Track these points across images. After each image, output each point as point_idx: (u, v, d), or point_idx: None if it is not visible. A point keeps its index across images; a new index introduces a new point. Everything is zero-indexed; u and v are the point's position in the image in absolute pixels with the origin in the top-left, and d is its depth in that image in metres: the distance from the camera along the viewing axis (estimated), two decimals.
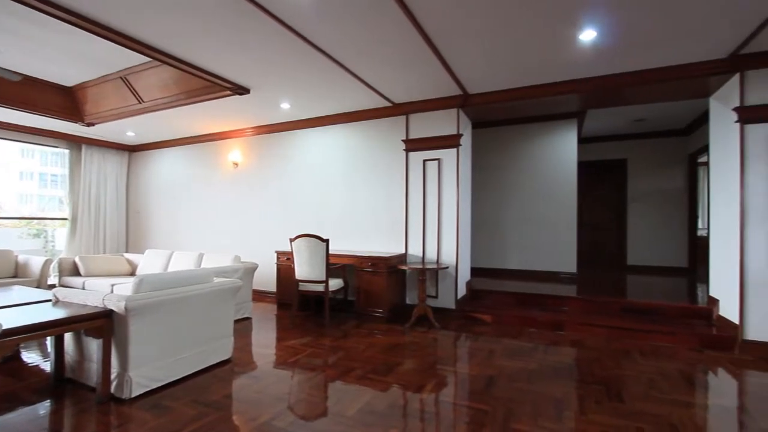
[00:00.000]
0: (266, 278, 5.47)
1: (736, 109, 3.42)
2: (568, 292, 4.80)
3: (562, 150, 6.03)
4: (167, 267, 4.92)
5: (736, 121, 3.42)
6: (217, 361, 3.03)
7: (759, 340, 3.31)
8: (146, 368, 2.50)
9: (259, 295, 5.51)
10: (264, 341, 3.81)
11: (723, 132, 3.76)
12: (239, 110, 5.06)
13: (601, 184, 7.51)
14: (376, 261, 4.37)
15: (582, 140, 7.15)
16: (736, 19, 2.80)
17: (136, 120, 5.47)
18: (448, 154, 4.57)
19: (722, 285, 3.74)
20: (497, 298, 4.79)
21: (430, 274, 4.59)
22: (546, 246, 6.05)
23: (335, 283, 4.38)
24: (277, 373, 2.94)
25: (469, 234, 5.11)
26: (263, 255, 5.57)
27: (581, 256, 6.63)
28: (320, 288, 4.20)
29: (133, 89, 4.68)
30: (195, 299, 2.82)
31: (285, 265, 4.95)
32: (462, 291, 4.74)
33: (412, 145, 4.74)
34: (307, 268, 4.18)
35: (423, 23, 2.90)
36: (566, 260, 5.94)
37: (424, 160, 4.68)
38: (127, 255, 5.62)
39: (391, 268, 4.40)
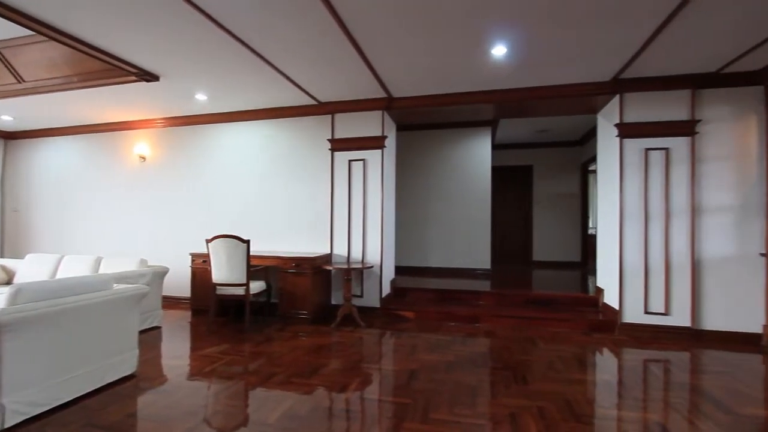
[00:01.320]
0: (179, 283, 5.05)
1: (616, 125, 3.99)
2: (483, 287, 5.18)
3: (478, 155, 6.49)
4: (55, 274, 4.28)
5: (617, 136, 3.99)
6: (119, 377, 2.73)
7: (633, 322, 3.90)
8: (26, 392, 2.15)
9: (171, 302, 5.07)
10: (176, 351, 3.52)
11: (607, 144, 4.36)
12: (148, 98, 4.60)
13: (511, 187, 8.23)
14: (300, 261, 4.28)
15: (495, 147, 7.76)
16: (614, 49, 3.26)
17: (14, 102, 4.68)
18: (373, 155, 4.64)
19: (606, 276, 4.34)
20: (419, 295, 4.99)
21: (356, 273, 4.63)
22: (464, 244, 6.46)
23: (257, 286, 4.20)
24: (191, 385, 2.73)
25: (393, 234, 5.25)
26: (176, 258, 5.13)
27: (494, 253, 7.19)
28: (240, 291, 3.99)
29: (10, 66, 3.99)
30: (89, 309, 2.50)
31: (201, 268, 4.62)
32: (386, 289, 4.85)
33: (338, 144, 4.73)
34: (225, 271, 3.95)
35: (349, 26, 2.91)
36: (481, 257, 6.41)
37: (350, 161, 4.70)
38: (1, 261, 4.77)
39: (316, 268, 4.35)
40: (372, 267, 4.49)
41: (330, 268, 4.24)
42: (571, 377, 2.85)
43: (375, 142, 4.62)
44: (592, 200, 7.61)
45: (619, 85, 3.92)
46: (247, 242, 3.93)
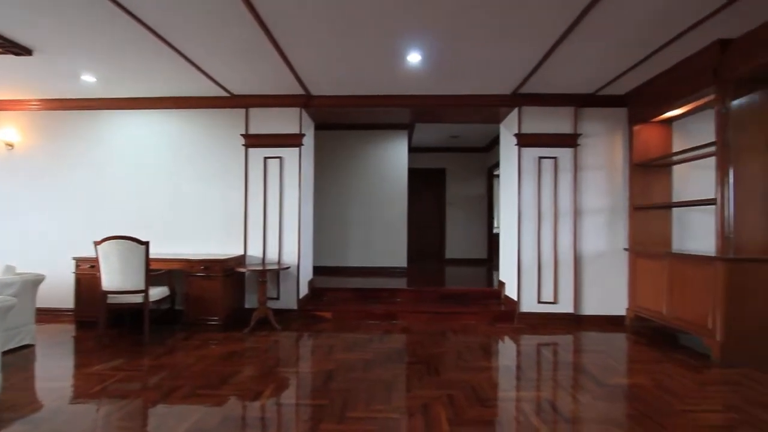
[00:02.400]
0: (60, 293, 4.36)
1: (515, 135, 4.44)
2: (400, 285, 5.36)
3: (395, 157, 6.70)
4: None
5: (516, 145, 4.44)
6: None
7: (529, 311, 4.37)
8: None
9: (49, 315, 4.36)
10: (54, 372, 3.03)
11: (508, 152, 4.82)
12: (18, 76, 3.89)
13: (426, 188, 8.64)
14: (210, 264, 3.99)
15: (412, 149, 8.08)
16: (513, 66, 3.63)
17: None
18: (290, 153, 4.52)
19: (507, 271, 4.80)
20: (338, 294, 4.99)
21: (272, 275, 4.46)
22: (382, 243, 6.62)
23: (158, 292, 3.81)
24: (74, 409, 2.38)
25: (311, 234, 5.17)
26: (55, 264, 4.42)
27: (410, 251, 7.47)
28: (138, 299, 3.59)
29: None
30: None
31: (88, 274, 4.04)
32: (304, 290, 4.76)
33: (253, 141, 4.51)
34: (119, 277, 3.51)
35: (265, 19, 2.79)
36: (398, 256, 6.63)
37: (266, 158, 4.51)
38: None
39: (228, 271, 4.10)
40: (289, 268, 4.37)
41: (243, 270, 4.02)
42: (477, 365, 3.09)
43: (292, 140, 4.50)
44: (496, 202, 8.34)
45: (518, 99, 4.36)
46: (146, 244, 3.55)
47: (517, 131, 4.41)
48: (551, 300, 4.35)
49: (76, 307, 4.13)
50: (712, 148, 3.28)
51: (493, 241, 8.22)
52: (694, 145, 3.66)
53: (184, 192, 4.60)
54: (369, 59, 3.52)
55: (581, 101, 4.35)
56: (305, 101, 4.46)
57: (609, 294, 4.38)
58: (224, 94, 4.40)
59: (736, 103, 3.14)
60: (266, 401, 2.47)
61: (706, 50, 3.21)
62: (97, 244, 3.50)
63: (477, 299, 4.92)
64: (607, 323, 4.33)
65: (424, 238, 8.62)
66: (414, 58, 3.46)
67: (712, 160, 3.29)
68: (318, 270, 6.08)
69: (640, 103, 4.17)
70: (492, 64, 3.60)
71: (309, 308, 4.54)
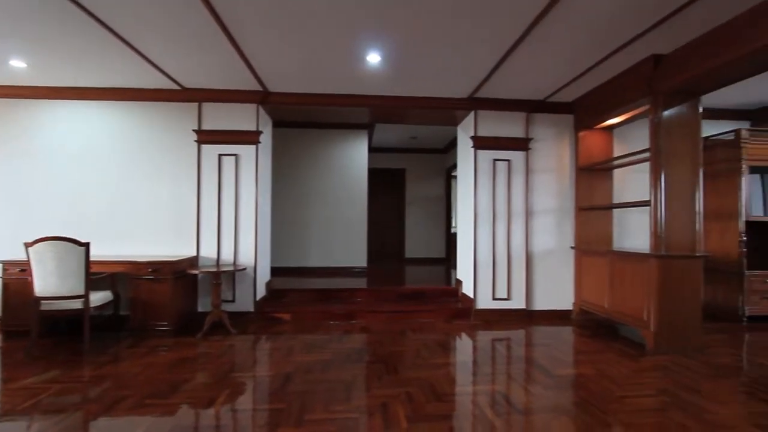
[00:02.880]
0: None
1: (472, 138, 4.58)
2: (360, 285, 5.36)
3: (355, 156, 6.69)
4: None
5: (472, 147, 4.58)
6: None
7: (484, 308, 4.52)
8: None
9: None
10: None
11: (465, 154, 4.97)
12: None
13: (386, 188, 8.71)
14: (159, 266, 3.77)
15: (372, 149, 8.11)
16: (470, 71, 3.74)
17: None
18: (246, 151, 4.38)
19: (464, 269, 4.94)
20: (297, 295, 4.90)
21: (226, 276, 4.30)
22: (342, 243, 6.59)
23: (100, 297, 3.55)
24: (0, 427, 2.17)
25: (269, 233, 5.04)
26: None
27: (371, 251, 7.50)
28: (76, 305, 3.32)
29: None
30: None
31: (18, 279, 3.68)
32: (261, 292, 4.63)
33: (206, 137, 4.32)
34: (54, 281, 3.23)
35: (217, 8, 2.69)
36: (359, 256, 6.63)
37: (220, 155, 4.34)
38: None
39: (179, 273, 3.90)
40: (245, 269, 4.23)
41: (196, 272, 3.85)
42: (435, 362, 3.16)
43: (249, 137, 4.36)
44: (454, 202, 8.56)
45: (474, 103, 4.50)
46: (86, 245, 3.30)
47: (473, 134, 4.56)
48: (505, 297, 4.53)
49: (2, 316, 3.75)
50: (647, 154, 3.57)
51: (451, 240, 8.43)
52: (632, 151, 3.97)
53: (129, 190, 4.32)
54: (328, 58, 3.49)
55: (532, 107, 4.57)
56: (262, 97, 4.34)
57: (557, 290, 4.63)
58: (174, 86, 4.18)
59: (667, 113, 3.44)
60: (220, 408, 2.38)
61: (641, 64, 3.48)
62: (28, 245, 3.20)
63: (435, 297, 5.03)
64: (556, 317, 4.58)
65: (384, 237, 8.68)
66: (373, 58, 3.47)
67: (647, 165, 3.58)
68: (277, 271, 5.94)
69: (584, 111, 4.45)
70: (450, 68, 3.70)
71: (267, 310, 4.43)
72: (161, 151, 4.35)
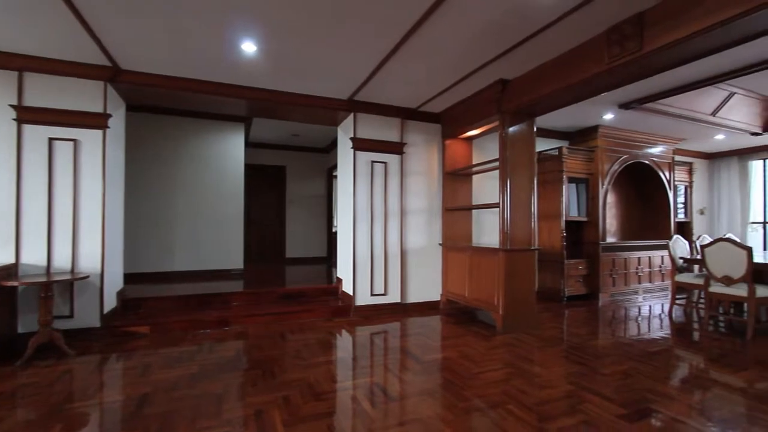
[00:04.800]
0: None
1: (351, 139, 4.71)
2: (236, 288, 5.01)
3: (231, 150, 6.23)
4: None
5: (351, 148, 4.71)
6: None
7: (363, 304, 4.69)
8: None
9: None
10: None
11: (345, 154, 5.07)
12: None
13: (266, 186, 8.33)
14: None
15: (250, 144, 7.67)
16: (349, 74, 3.84)
17: None
18: (90, 136, 3.69)
19: (344, 267, 5.05)
20: (159, 304, 4.33)
21: (61, 287, 3.55)
22: (216, 244, 6.07)
23: None
24: None
25: (121, 234, 4.34)
26: None
27: (249, 252, 7.09)
28: None
29: None
30: None
31: None
32: (111, 303, 3.96)
33: (31, 116, 3.50)
34: None
35: None
36: (235, 257, 6.19)
37: (51, 139, 3.56)
38: None
39: None
40: (88, 277, 3.55)
41: (15, 283, 3.08)
42: (315, 361, 3.16)
43: (93, 120, 3.68)
44: (335, 202, 8.65)
45: (354, 105, 4.63)
46: None
47: (353, 135, 4.68)
48: (382, 292, 4.78)
49: None
50: (497, 163, 4.18)
51: (333, 239, 8.50)
52: (486, 160, 4.60)
53: None
54: (197, 39, 3.17)
55: (407, 114, 4.91)
56: (112, 75, 3.71)
57: (428, 283, 5.08)
58: None
59: (511, 129, 4.08)
60: None
61: (492, 86, 4.06)
62: None
63: (316, 297, 5.01)
64: (427, 308, 5.02)
65: (263, 237, 8.28)
66: (249, 47, 3.28)
67: (497, 172, 4.19)
68: (133, 278, 5.16)
69: (449, 122, 4.98)
70: (330, 69, 3.73)
71: (118, 324, 3.81)
72: None
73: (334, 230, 8.54)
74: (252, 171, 7.81)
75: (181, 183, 5.91)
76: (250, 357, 3.26)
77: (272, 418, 2.23)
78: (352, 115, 4.71)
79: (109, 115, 3.77)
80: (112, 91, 3.87)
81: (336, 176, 8.34)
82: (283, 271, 6.90)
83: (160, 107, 5.63)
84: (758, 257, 4.38)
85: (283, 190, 8.47)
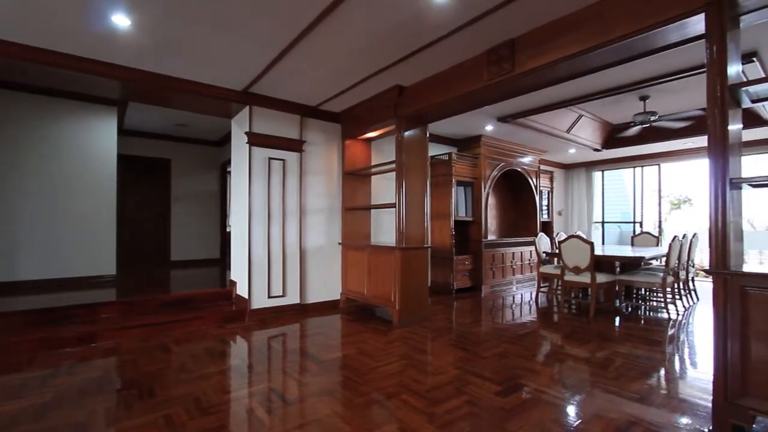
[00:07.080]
0: None
1: (246, 134, 4.45)
2: (106, 297, 4.34)
3: (100, 138, 5.37)
4: None
5: (247, 143, 4.45)
6: None
7: (259, 307, 4.48)
8: None
9: None
10: None
11: (240, 149, 4.77)
12: None
13: (145, 181, 7.38)
14: None
15: (126, 132, 6.73)
16: (244, 64, 3.64)
17: None
18: None
19: (238, 269, 4.75)
20: None
21: None
22: (79, 247, 5.16)
23: None
24: None
25: None
26: None
27: (123, 255, 6.21)
28: None
29: None
30: None
31: None
32: None
33: None
34: None
35: None
36: (105, 262, 5.35)
37: None
38: None
39: None
40: None
41: None
42: (203, 373, 2.91)
43: None
44: (229, 199, 8.08)
45: (250, 98, 4.38)
46: None
47: (248, 129, 4.43)
48: (280, 294, 4.62)
49: None
50: (393, 165, 4.37)
51: (226, 239, 7.93)
52: (384, 161, 4.77)
53: None
54: (47, 6, 2.66)
55: (306, 111, 4.83)
56: None
57: (328, 283, 5.08)
58: None
59: (407, 134, 4.30)
60: None
61: (389, 91, 4.24)
62: None
63: (206, 302, 4.62)
64: (327, 308, 5.01)
65: (142, 238, 7.32)
66: (121, 20, 2.87)
67: (394, 174, 4.38)
68: None
69: (348, 122, 5.04)
70: (222, 56, 3.47)
71: None
72: None
73: (228, 230, 7.97)
74: (127, 162, 6.84)
75: (33, 174, 4.87)
76: (123, 376, 2.86)
77: None
78: (247, 108, 4.45)
79: None
80: None
81: (230, 172, 7.80)
82: (167, 276, 6.19)
83: (9, 82, 4.57)
84: (598, 251, 5.37)
85: (168, 185, 7.59)
